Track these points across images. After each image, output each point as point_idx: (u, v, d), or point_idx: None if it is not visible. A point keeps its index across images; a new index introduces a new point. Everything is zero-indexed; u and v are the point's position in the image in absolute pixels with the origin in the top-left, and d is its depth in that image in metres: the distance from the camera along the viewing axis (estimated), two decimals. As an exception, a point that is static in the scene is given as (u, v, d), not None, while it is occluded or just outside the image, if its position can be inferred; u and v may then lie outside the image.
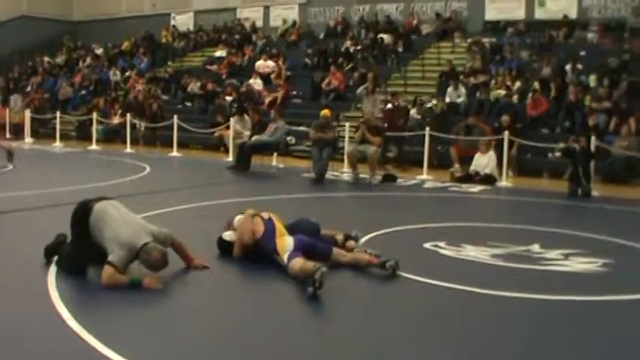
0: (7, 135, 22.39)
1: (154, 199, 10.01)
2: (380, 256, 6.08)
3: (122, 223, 5.55)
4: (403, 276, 5.94)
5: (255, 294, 5.56)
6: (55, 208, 8.70)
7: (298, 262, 5.67)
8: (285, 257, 5.87)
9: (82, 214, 5.73)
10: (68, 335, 4.32)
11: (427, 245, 7.20)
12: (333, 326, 4.74)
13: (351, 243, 6.69)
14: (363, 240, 7.18)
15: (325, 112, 13.98)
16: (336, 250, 6.19)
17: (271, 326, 4.70)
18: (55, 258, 5.94)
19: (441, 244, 7.24)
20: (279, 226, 6.27)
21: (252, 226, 6.30)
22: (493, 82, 18.33)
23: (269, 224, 6.25)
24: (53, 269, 5.79)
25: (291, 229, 6.40)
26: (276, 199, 9.80)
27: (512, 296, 5.41)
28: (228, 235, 6.56)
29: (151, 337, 4.40)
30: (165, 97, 23.63)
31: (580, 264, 6.55)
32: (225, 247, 6.55)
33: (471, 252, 6.95)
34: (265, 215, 6.42)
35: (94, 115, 21.00)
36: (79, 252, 5.74)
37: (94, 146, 19.71)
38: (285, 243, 6.03)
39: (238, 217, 6.62)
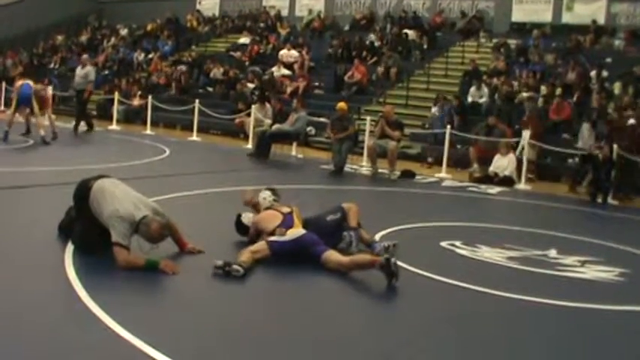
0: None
1: (171, 182, 10.05)
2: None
3: (120, 198, 5.57)
4: (418, 273, 5.94)
5: (270, 284, 5.57)
6: (72, 185, 8.73)
7: (254, 249, 5.80)
8: (278, 238, 5.98)
9: (82, 193, 5.78)
10: (83, 313, 4.35)
11: (443, 244, 7.18)
12: (346, 323, 4.73)
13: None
14: (378, 235, 7.17)
15: (341, 104, 14.01)
16: (327, 257, 5.85)
17: (282, 319, 4.72)
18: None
19: (458, 243, 7.22)
20: (297, 223, 6.29)
21: (269, 219, 6.35)
22: (516, 84, 18.21)
23: (288, 219, 6.28)
24: (70, 246, 5.83)
25: (307, 226, 6.41)
26: (293, 188, 9.80)
27: (526, 300, 5.39)
28: (246, 218, 6.65)
29: (165, 318, 4.44)
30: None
31: (596, 272, 6.51)
32: (242, 229, 6.67)
33: (487, 253, 6.93)
34: (285, 209, 6.44)
35: (116, 95, 21.05)
36: (85, 229, 5.76)
37: (114, 126, 19.77)
38: (295, 230, 6.10)
39: (263, 197, 6.75)
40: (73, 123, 17.92)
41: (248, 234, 6.54)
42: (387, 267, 5.39)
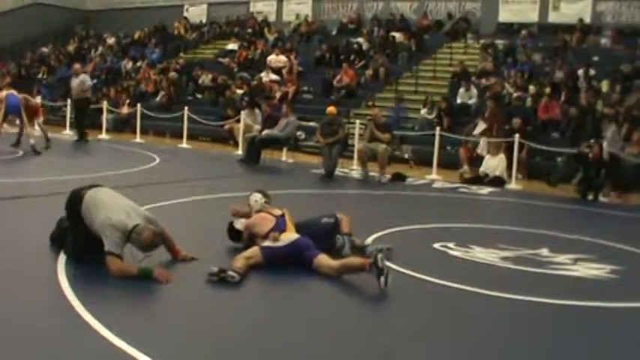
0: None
1: (162, 190, 10.04)
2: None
3: (112, 207, 5.56)
4: (412, 275, 5.95)
5: (264, 290, 5.56)
6: (64, 195, 8.72)
7: (247, 255, 5.80)
8: (272, 243, 5.96)
9: (74, 202, 5.78)
10: (77, 323, 4.34)
11: (436, 245, 7.20)
12: (340, 327, 4.73)
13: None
14: (371, 238, 7.20)
15: (331, 109, 14.00)
16: (318, 261, 5.87)
17: (277, 325, 4.72)
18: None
19: (450, 244, 7.23)
20: (290, 225, 6.30)
21: (262, 222, 6.32)
22: (508, 85, 18.22)
23: (281, 222, 6.27)
24: (62, 256, 5.82)
25: (301, 229, 6.42)
26: (284, 193, 9.79)
27: (520, 299, 5.40)
28: (239, 224, 6.63)
29: (160, 327, 4.45)
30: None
31: (588, 269, 6.54)
32: (234, 235, 6.65)
33: (480, 253, 6.95)
34: (277, 212, 6.44)
35: (105, 104, 20.99)
36: (77, 239, 5.75)
37: (103, 135, 19.69)
38: (289, 234, 6.10)
39: (254, 199, 6.74)
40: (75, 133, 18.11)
41: (242, 239, 6.53)
42: (375, 265, 5.37)
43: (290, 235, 6.08)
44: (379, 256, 5.41)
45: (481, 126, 14.64)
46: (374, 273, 5.37)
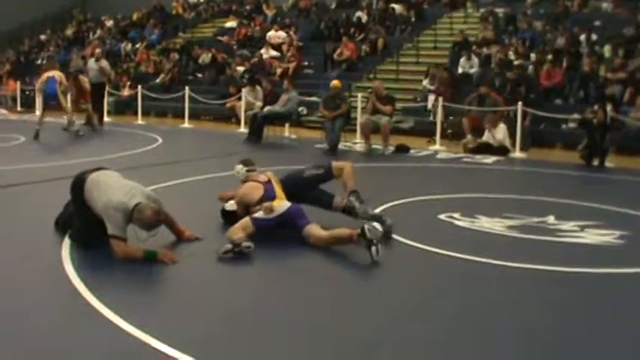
0: (18, 108, 22.49)
1: (167, 171, 10.01)
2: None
3: (113, 188, 5.49)
4: (417, 247, 5.92)
5: (268, 267, 5.53)
6: (67, 180, 8.69)
7: (243, 226, 5.84)
8: (264, 216, 5.94)
9: (78, 186, 5.73)
10: (84, 308, 4.33)
11: (442, 216, 7.17)
12: (344, 297, 4.72)
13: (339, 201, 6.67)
14: (376, 211, 7.16)
15: (335, 82, 13.94)
16: (307, 231, 5.88)
17: (281, 301, 4.70)
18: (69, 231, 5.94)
19: (456, 215, 7.20)
20: (279, 191, 6.32)
21: (251, 191, 6.33)
22: (512, 53, 18.09)
23: (269, 188, 6.29)
24: (67, 241, 5.80)
25: (283, 183, 6.53)
26: (288, 169, 9.74)
27: (528, 268, 5.38)
28: (229, 206, 6.64)
29: (167, 308, 4.45)
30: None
31: (596, 236, 6.51)
32: (227, 217, 6.62)
33: (486, 223, 6.92)
34: (263, 178, 6.46)
35: (105, 87, 20.87)
36: (83, 224, 5.72)
37: (105, 118, 19.57)
38: (281, 203, 6.09)
39: (237, 171, 6.85)
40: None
41: (237, 220, 6.49)
42: (362, 236, 5.37)
43: (282, 204, 6.06)
44: (366, 226, 5.39)
45: (431, 98, 15.15)
46: (363, 244, 5.37)
